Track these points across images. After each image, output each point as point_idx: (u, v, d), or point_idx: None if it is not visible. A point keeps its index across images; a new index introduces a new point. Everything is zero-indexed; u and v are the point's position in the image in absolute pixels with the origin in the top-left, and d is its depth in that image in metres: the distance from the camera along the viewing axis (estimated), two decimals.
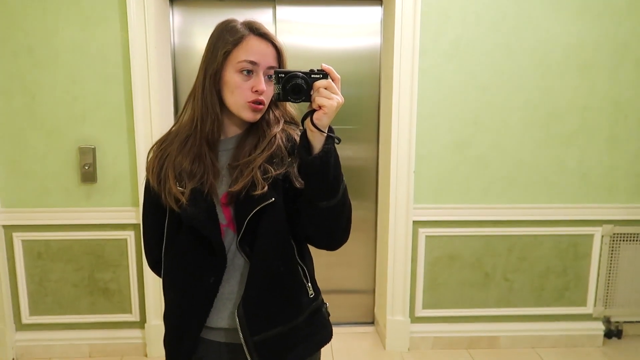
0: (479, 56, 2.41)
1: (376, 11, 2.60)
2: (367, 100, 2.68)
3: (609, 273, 2.64)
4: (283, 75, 0.98)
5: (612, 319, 2.71)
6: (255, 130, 1.11)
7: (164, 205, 1.10)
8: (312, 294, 1.15)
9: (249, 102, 1.06)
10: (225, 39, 1.05)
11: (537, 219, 2.55)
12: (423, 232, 2.54)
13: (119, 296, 2.53)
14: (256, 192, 1.03)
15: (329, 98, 0.95)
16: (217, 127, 1.09)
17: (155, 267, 1.24)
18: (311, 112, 0.96)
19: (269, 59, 1.06)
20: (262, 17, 2.56)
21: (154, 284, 2.46)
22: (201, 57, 1.10)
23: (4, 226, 2.43)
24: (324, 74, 0.97)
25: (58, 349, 2.54)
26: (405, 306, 2.58)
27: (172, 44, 2.55)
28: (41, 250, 2.46)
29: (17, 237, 2.44)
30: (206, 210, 1.06)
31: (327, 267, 2.76)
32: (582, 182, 2.54)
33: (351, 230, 1.09)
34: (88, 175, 2.38)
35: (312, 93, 0.97)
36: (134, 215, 2.43)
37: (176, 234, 1.12)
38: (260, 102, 1.07)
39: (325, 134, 0.96)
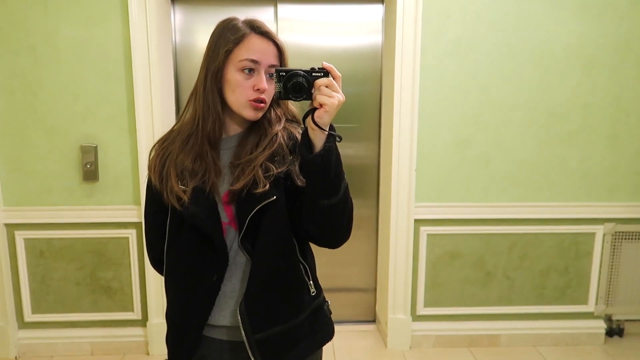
0: (479, 55, 2.41)
1: (378, 9, 2.60)
2: (368, 98, 2.68)
3: (611, 271, 2.64)
4: (284, 74, 0.98)
5: (614, 317, 2.71)
6: (256, 128, 1.12)
7: (166, 203, 1.10)
8: (313, 292, 1.15)
9: (250, 100, 1.06)
10: (227, 38, 1.05)
11: (539, 217, 2.55)
12: (424, 230, 2.54)
13: (121, 294, 2.54)
14: (258, 191, 1.03)
15: (330, 96, 0.95)
16: (219, 126, 1.09)
17: (157, 266, 1.24)
18: (312, 111, 0.96)
19: (270, 58, 1.07)
20: (263, 15, 2.56)
21: (155, 282, 2.47)
22: (202, 56, 1.10)
23: (6, 224, 2.43)
24: (325, 72, 0.97)
25: (60, 347, 2.55)
26: (407, 304, 2.59)
27: (173, 42, 2.55)
28: (43, 249, 2.47)
29: (19, 236, 2.45)
30: (208, 209, 1.07)
31: (329, 265, 2.76)
32: (583, 180, 2.54)
33: (352, 228, 1.09)
34: (90, 173, 2.39)
35: (313, 91, 0.97)
36: (136, 213, 2.43)
37: (178, 232, 1.12)
38: (262, 101, 1.07)
39: (327, 132, 0.96)
